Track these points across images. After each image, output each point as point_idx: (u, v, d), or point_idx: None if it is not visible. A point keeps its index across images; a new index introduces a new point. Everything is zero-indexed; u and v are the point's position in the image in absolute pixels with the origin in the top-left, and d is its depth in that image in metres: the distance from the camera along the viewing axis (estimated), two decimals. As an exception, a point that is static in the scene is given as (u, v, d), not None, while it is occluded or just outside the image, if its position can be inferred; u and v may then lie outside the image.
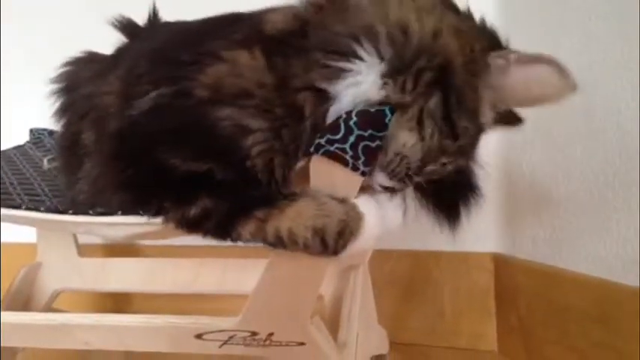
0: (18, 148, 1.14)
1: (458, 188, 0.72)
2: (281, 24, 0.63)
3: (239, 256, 1.04)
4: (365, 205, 0.61)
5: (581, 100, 0.93)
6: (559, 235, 1.01)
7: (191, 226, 0.60)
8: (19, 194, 0.83)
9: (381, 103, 0.58)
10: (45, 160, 1.01)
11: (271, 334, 0.68)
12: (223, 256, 1.05)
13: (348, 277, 0.88)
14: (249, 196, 0.59)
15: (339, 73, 0.58)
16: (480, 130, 0.64)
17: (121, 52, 0.78)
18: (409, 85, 0.58)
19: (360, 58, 0.58)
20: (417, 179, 0.64)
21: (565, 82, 0.58)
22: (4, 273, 1.13)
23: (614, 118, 0.87)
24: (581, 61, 0.94)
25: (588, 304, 0.92)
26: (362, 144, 0.57)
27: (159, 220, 0.62)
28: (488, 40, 0.62)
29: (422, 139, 0.59)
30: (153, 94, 0.62)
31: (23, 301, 1.06)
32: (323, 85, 0.59)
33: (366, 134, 0.57)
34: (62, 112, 0.80)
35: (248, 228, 0.58)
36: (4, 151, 1.11)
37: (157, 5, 0.79)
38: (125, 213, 0.65)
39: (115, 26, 0.79)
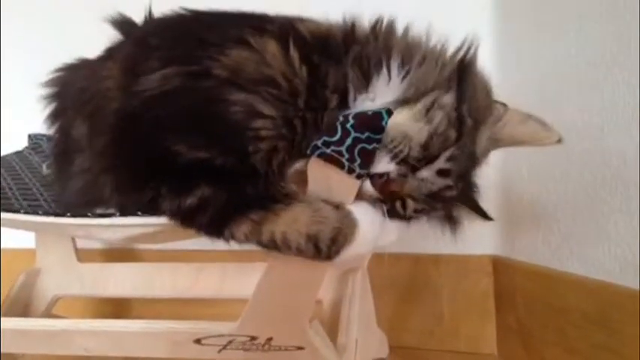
0: (17, 153, 1.15)
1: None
2: (316, 30, 0.64)
3: (238, 260, 1.04)
4: (361, 210, 0.61)
5: (578, 101, 0.94)
6: (558, 237, 1.01)
7: (185, 217, 0.60)
8: (17, 199, 0.83)
9: None
10: (44, 166, 1.01)
11: (270, 339, 0.68)
12: (222, 261, 1.05)
13: (346, 280, 0.88)
14: (246, 194, 0.59)
15: (366, 88, 0.62)
16: (474, 156, 0.66)
17: (117, 47, 0.76)
18: (424, 87, 0.62)
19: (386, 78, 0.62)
20: (410, 186, 0.63)
21: (549, 137, 0.68)
22: (3, 279, 1.13)
23: (612, 119, 0.87)
24: (578, 62, 0.94)
25: (587, 307, 0.92)
26: (359, 146, 0.57)
27: (156, 220, 0.62)
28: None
29: (428, 122, 0.60)
30: (164, 71, 0.61)
31: (22, 306, 1.06)
32: (351, 93, 0.61)
33: (363, 137, 0.57)
34: (54, 117, 0.80)
35: (242, 229, 0.58)
36: (4, 156, 1.11)
37: (154, 7, 0.79)
38: (122, 213, 0.65)
39: (112, 23, 0.78)
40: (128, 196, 0.63)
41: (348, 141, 0.57)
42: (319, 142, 0.57)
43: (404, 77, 0.61)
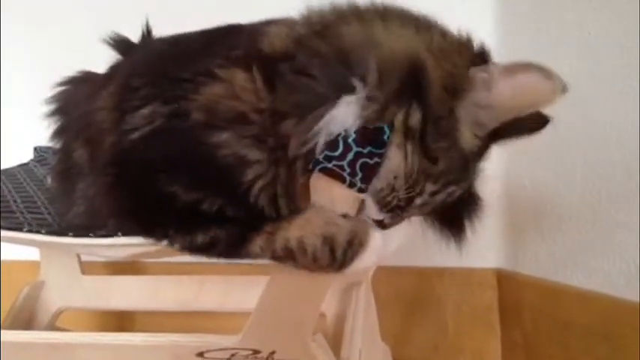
0: (22, 166, 1.15)
1: (460, 202, 0.72)
2: (279, 43, 0.61)
3: (241, 273, 1.04)
4: (366, 221, 0.61)
5: (581, 114, 0.94)
6: (562, 250, 1.01)
7: (199, 251, 0.60)
8: (22, 212, 0.83)
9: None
10: (48, 178, 1.01)
11: (273, 353, 0.67)
12: (225, 274, 1.05)
13: (350, 294, 0.88)
14: (255, 217, 0.58)
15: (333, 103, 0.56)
16: (462, 153, 0.61)
17: (114, 69, 0.77)
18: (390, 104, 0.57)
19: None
20: (410, 212, 0.63)
21: (553, 86, 0.56)
22: (7, 291, 1.13)
23: (615, 133, 0.87)
24: (581, 75, 0.94)
25: (592, 320, 0.91)
26: (360, 161, 0.57)
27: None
28: (471, 56, 0.60)
29: (405, 157, 0.58)
30: (147, 109, 0.60)
31: (26, 319, 1.06)
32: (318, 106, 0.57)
33: (364, 151, 0.57)
34: (58, 135, 0.80)
35: (258, 242, 0.58)
36: (9, 169, 1.12)
37: (152, 22, 0.79)
38: (126, 234, 0.65)
39: (109, 44, 0.78)
40: (136, 236, 0.63)
41: (350, 156, 0.57)
42: (321, 157, 0.57)
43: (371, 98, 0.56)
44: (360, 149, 0.57)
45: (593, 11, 0.94)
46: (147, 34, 0.79)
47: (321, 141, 0.56)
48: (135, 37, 0.80)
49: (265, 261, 0.60)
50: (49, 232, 0.71)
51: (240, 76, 0.58)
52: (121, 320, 1.37)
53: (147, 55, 0.73)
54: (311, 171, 0.58)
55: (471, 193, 0.73)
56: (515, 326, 1.11)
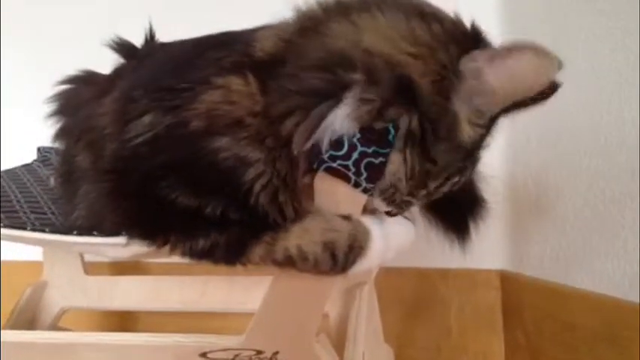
0: (26, 166, 1.15)
1: (464, 203, 0.72)
2: (270, 47, 0.61)
3: (245, 273, 1.03)
4: (368, 221, 0.61)
5: (587, 115, 0.94)
6: (566, 251, 1.01)
7: (199, 257, 0.60)
8: (25, 212, 0.83)
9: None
10: (52, 179, 1.01)
11: (277, 353, 0.67)
12: (229, 274, 1.05)
13: (354, 295, 0.88)
14: (255, 222, 0.58)
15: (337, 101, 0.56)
16: (462, 146, 0.59)
17: (117, 73, 0.76)
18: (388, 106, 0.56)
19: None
20: (415, 202, 0.64)
21: (548, 63, 0.54)
22: (10, 291, 1.13)
23: (620, 134, 0.87)
24: (586, 78, 0.94)
25: (596, 322, 0.91)
26: (365, 160, 0.57)
27: None
28: (461, 44, 0.57)
29: (404, 160, 0.58)
30: (147, 118, 0.60)
31: (29, 319, 1.06)
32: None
33: (369, 151, 0.57)
34: (60, 136, 0.80)
35: (257, 251, 0.58)
36: (13, 169, 1.12)
37: (155, 26, 0.79)
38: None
39: (112, 48, 0.78)
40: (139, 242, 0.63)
41: (355, 155, 0.57)
42: (326, 157, 0.57)
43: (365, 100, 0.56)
44: (365, 149, 0.57)
45: (596, 13, 0.94)
46: (150, 37, 0.79)
47: (326, 139, 0.56)
48: (136, 35, 0.79)
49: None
50: (53, 231, 0.71)
51: (235, 81, 0.59)
52: (123, 320, 1.36)
53: (146, 68, 0.72)
54: (315, 171, 0.58)
55: (475, 194, 0.73)
56: (519, 328, 1.11)
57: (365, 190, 0.59)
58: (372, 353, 0.88)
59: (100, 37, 0.77)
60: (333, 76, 0.55)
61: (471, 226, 0.73)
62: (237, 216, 0.58)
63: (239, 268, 0.61)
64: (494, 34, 0.60)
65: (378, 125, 0.57)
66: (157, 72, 0.69)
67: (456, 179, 0.63)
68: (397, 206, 0.63)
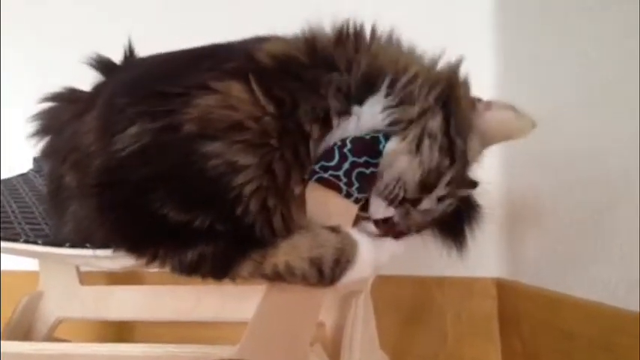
0: (22, 175, 1.15)
1: (460, 209, 0.72)
2: (280, 53, 0.61)
3: (239, 283, 1.03)
4: (357, 233, 0.61)
5: (581, 123, 0.94)
6: (562, 259, 1.01)
7: (188, 271, 0.59)
8: (20, 223, 0.83)
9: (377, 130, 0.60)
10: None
11: (271, 363, 0.67)
12: (223, 284, 1.05)
13: (349, 303, 0.88)
14: (243, 236, 0.58)
15: (348, 112, 0.60)
16: (466, 164, 0.65)
17: (97, 90, 0.75)
18: (412, 113, 0.60)
19: (370, 94, 0.60)
20: (414, 219, 0.64)
21: (524, 123, 0.67)
22: (6, 302, 1.13)
23: (614, 141, 0.87)
24: (579, 86, 0.94)
25: (593, 330, 0.91)
26: (356, 171, 0.57)
27: None
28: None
29: (420, 158, 0.60)
30: (134, 128, 0.59)
31: (24, 330, 1.06)
32: (334, 117, 0.59)
33: (360, 161, 0.57)
34: (46, 156, 0.79)
35: (246, 268, 0.58)
36: (9, 179, 1.12)
37: (136, 42, 0.78)
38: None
39: (91, 65, 0.76)
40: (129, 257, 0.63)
41: (346, 165, 0.57)
42: (317, 167, 0.57)
43: (393, 104, 0.60)
44: (356, 159, 0.57)
45: (590, 26, 0.94)
46: (129, 53, 0.77)
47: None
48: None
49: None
50: (46, 243, 0.71)
51: (236, 87, 0.58)
52: (119, 331, 1.36)
53: (129, 75, 0.71)
54: (307, 181, 0.58)
55: (470, 200, 0.73)
56: (516, 336, 1.11)
57: (357, 201, 0.59)
58: (368, 362, 0.88)
59: (99, 37, 0.76)
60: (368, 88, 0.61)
61: (467, 231, 0.73)
62: (224, 227, 0.57)
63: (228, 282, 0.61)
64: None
65: (369, 135, 0.57)
66: (144, 78, 0.68)
67: (451, 201, 0.64)
68: (400, 205, 0.62)
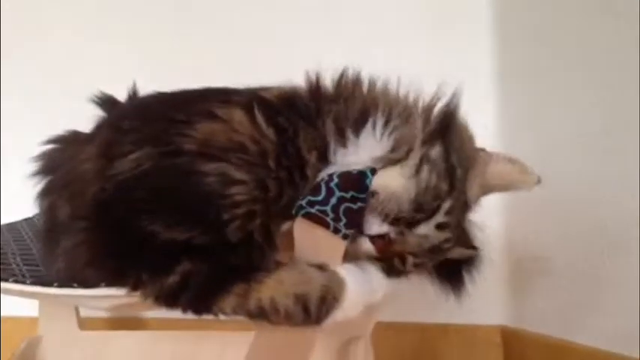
0: (27, 220, 1.16)
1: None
2: (281, 93, 0.65)
3: (239, 329, 1.02)
4: (346, 271, 0.59)
5: (581, 171, 0.94)
6: (568, 306, 1.00)
7: (169, 298, 0.58)
8: (18, 265, 0.83)
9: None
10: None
11: (264, 410, 0.65)
12: (223, 329, 1.04)
13: (348, 351, 0.86)
14: (228, 266, 0.57)
15: (346, 143, 0.62)
16: (466, 204, 0.66)
17: (99, 126, 0.76)
18: (411, 142, 0.62)
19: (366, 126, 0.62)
20: (410, 243, 0.63)
21: (530, 178, 0.67)
22: (6, 347, 1.12)
23: (614, 190, 0.87)
24: (578, 132, 0.95)
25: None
26: (343, 206, 0.57)
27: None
28: None
29: (417, 179, 0.61)
30: (135, 154, 0.60)
31: (22, 376, 1.05)
32: (331, 151, 0.61)
33: (347, 196, 0.57)
34: (44, 195, 0.78)
35: (229, 302, 0.57)
36: (14, 223, 1.13)
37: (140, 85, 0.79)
38: (108, 285, 0.64)
39: (95, 102, 0.78)
40: (112, 285, 0.62)
41: (333, 200, 0.57)
42: (304, 202, 0.57)
43: (390, 134, 0.62)
44: (342, 194, 0.57)
45: (591, 74, 0.96)
46: (133, 94, 0.79)
47: None
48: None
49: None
50: (34, 283, 0.71)
51: (238, 114, 0.61)
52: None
53: (137, 102, 0.74)
54: (294, 217, 0.58)
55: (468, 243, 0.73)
56: (522, 385, 1.08)
57: (345, 237, 0.58)
58: (368, 413, 0.85)
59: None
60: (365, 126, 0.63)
61: (466, 276, 0.72)
62: (210, 243, 0.57)
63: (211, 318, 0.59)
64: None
65: (356, 170, 0.57)
66: (151, 105, 0.71)
67: (449, 235, 0.64)
68: (394, 223, 0.61)
